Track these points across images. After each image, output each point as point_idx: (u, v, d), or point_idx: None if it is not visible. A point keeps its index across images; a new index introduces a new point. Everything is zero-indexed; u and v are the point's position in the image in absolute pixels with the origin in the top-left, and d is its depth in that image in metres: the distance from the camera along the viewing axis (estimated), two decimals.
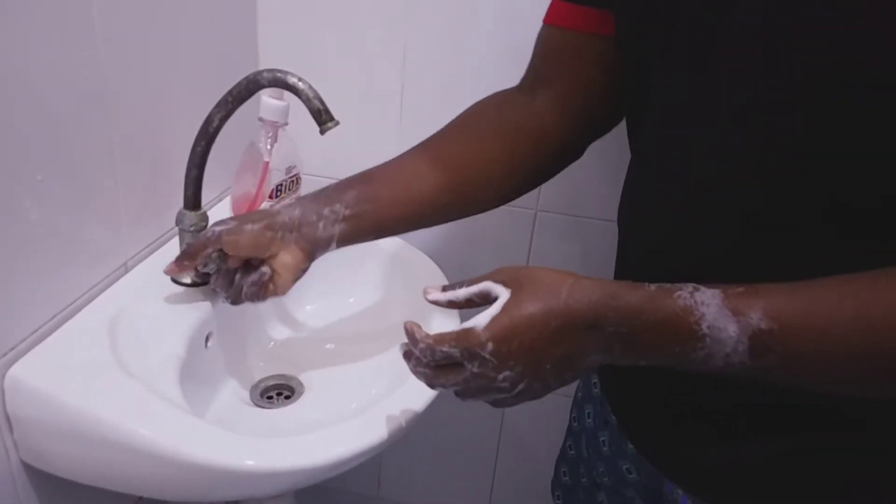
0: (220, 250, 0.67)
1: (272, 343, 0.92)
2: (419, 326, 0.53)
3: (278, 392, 0.86)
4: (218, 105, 0.70)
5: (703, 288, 0.46)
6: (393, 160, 0.72)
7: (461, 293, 0.54)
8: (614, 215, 0.69)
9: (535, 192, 1.03)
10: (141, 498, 0.84)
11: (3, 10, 0.55)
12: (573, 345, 0.48)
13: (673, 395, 0.61)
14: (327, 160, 1.05)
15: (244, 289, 0.68)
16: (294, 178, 0.91)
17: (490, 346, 0.48)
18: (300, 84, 0.66)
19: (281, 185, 0.88)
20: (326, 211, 0.67)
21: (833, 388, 0.46)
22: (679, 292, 0.46)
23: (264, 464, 0.57)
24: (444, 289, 0.55)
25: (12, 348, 0.62)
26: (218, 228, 0.66)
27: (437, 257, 0.94)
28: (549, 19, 0.68)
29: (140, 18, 0.73)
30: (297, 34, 1.00)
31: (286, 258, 0.67)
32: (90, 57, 0.66)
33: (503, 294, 0.50)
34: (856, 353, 0.42)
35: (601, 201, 1.01)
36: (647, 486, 0.68)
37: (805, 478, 0.56)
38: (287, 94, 0.71)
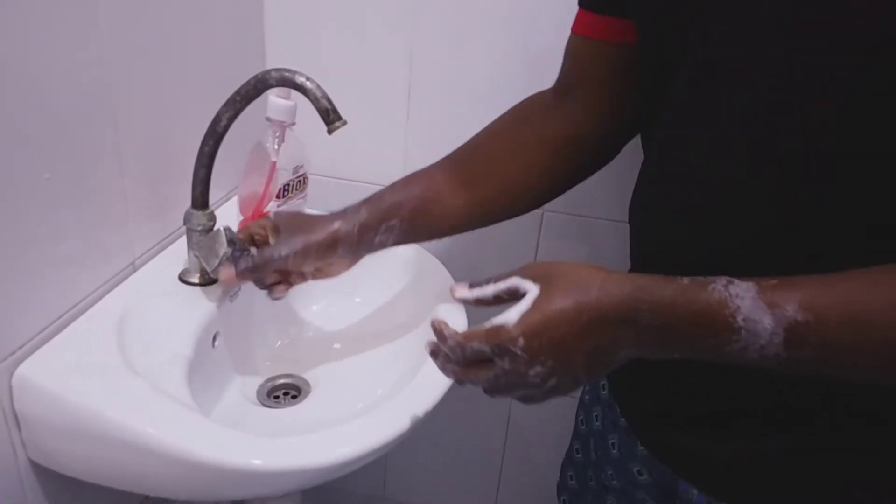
0: (237, 247, 0.70)
1: (279, 343, 0.93)
2: (447, 324, 0.52)
3: (285, 392, 0.86)
4: (226, 104, 0.70)
5: (736, 281, 0.46)
6: (441, 164, 0.73)
7: (489, 290, 0.53)
8: (621, 216, 0.69)
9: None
10: (147, 497, 0.84)
11: (9, 10, 0.55)
12: (605, 339, 0.48)
13: (683, 395, 0.61)
14: (334, 160, 1.05)
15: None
16: (301, 178, 0.91)
17: (521, 341, 0.47)
18: (308, 83, 0.66)
19: (288, 184, 0.88)
20: (383, 226, 0.68)
21: (867, 378, 0.46)
22: (713, 285, 0.46)
23: (271, 463, 0.57)
24: (471, 286, 0.55)
25: (20, 347, 0.62)
26: (284, 252, 0.67)
27: (444, 257, 0.93)
28: (577, 29, 0.69)
29: (147, 18, 0.73)
30: (304, 34, 1.00)
31: (337, 267, 0.71)
32: (97, 56, 0.66)
33: (532, 289, 0.49)
34: (891, 343, 0.43)
35: (608, 202, 1.01)
36: (660, 486, 0.67)
37: (819, 475, 0.56)
38: (294, 93, 0.71)
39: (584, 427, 0.80)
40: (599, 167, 0.75)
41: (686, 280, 0.47)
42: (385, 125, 1.03)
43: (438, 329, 0.52)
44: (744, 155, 0.51)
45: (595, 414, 0.77)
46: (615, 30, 0.65)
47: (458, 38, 0.96)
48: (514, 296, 0.51)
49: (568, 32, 0.71)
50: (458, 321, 0.79)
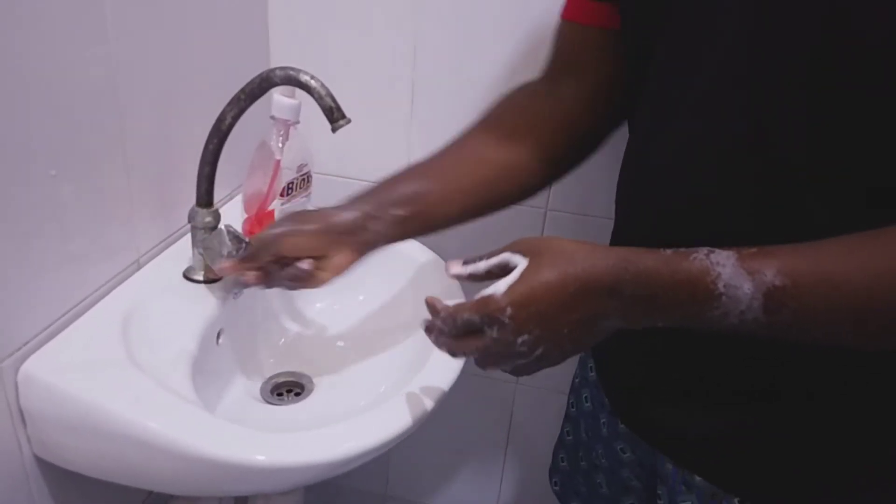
0: (241, 245, 0.69)
1: (283, 340, 0.93)
2: (440, 300, 0.55)
3: (288, 389, 0.86)
4: (230, 103, 0.70)
5: (717, 250, 0.47)
6: (435, 157, 0.73)
7: (481, 266, 0.55)
8: None
9: (545, 191, 1.03)
10: (151, 492, 0.84)
11: (18, 9, 0.56)
12: (591, 309, 0.49)
13: (659, 370, 0.63)
14: (338, 159, 1.05)
15: (281, 277, 0.69)
16: (305, 177, 0.91)
17: (509, 310, 0.49)
18: (312, 82, 0.66)
19: (292, 183, 0.89)
20: (383, 214, 0.68)
21: (844, 342, 0.47)
22: (695, 254, 0.47)
23: (275, 459, 0.57)
24: (465, 262, 0.56)
25: (25, 343, 0.63)
26: (277, 231, 0.67)
27: (446, 255, 0.93)
28: (567, 15, 0.70)
29: (153, 17, 0.74)
30: (308, 33, 1.01)
31: (338, 259, 0.68)
32: (103, 55, 0.67)
33: (521, 262, 0.51)
34: (865, 306, 0.44)
35: (611, 200, 1.00)
36: (643, 464, 0.69)
37: (791, 450, 0.57)
38: (298, 92, 0.72)
39: (573, 410, 0.81)
40: (593, 151, 0.76)
41: (669, 251, 0.49)
42: (389, 124, 1.03)
43: (431, 304, 0.55)
44: (714, 137, 0.53)
45: (584, 395, 0.78)
46: (605, 15, 0.66)
47: (462, 37, 0.96)
48: (505, 270, 0.52)
49: None
50: None
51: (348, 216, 0.68)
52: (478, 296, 0.51)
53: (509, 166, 0.72)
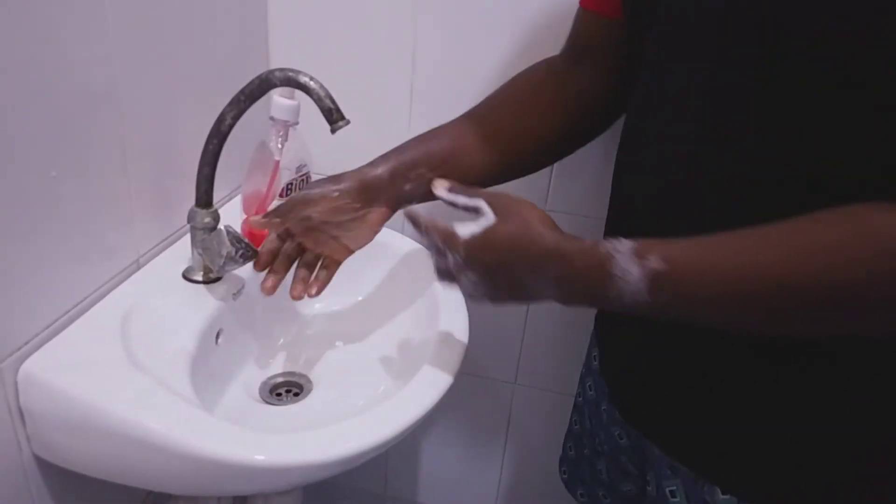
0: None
1: (281, 340, 0.93)
2: (420, 213, 0.62)
3: (287, 389, 0.86)
4: (230, 103, 0.70)
5: (623, 240, 0.52)
6: (464, 118, 0.77)
7: (461, 200, 0.62)
8: None
9: (543, 191, 1.03)
10: (151, 492, 0.85)
11: (17, 8, 0.56)
12: (522, 276, 0.56)
13: (649, 356, 0.65)
14: (337, 160, 1.05)
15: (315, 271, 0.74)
16: (304, 178, 0.91)
17: (462, 251, 0.57)
18: (312, 83, 0.67)
19: (291, 183, 0.89)
20: (413, 174, 0.71)
21: (733, 326, 0.51)
22: (606, 242, 0.52)
23: (274, 459, 0.57)
24: (450, 189, 0.64)
25: (25, 343, 0.63)
26: (314, 190, 0.70)
27: None
28: (587, 4, 0.73)
29: (153, 17, 0.74)
30: (307, 34, 1.01)
31: (373, 216, 0.71)
32: (103, 55, 0.67)
33: (489, 217, 0.58)
34: (739, 294, 0.48)
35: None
36: (637, 450, 0.72)
37: (773, 442, 0.59)
38: (298, 93, 0.72)
39: (580, 399, 0.84)
40: (607, 127, 0.79)
41: (590, 241, 0.54)
42: (388, 125, 1.03)
43: (412, 215, 0.62)
44: (678, 138, 0.56)
45: (588, 384, 0.81)
46: (620, 7, 0.68)
47: (461, 39, 0.96)
48: (476, 213, 0.59)
49: None
50: (459, 320, 0.80)
51: (380, 172, 0.71)
52: (449, 227, 0.59)
53: (532, 135, 0.76)
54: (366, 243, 0.74)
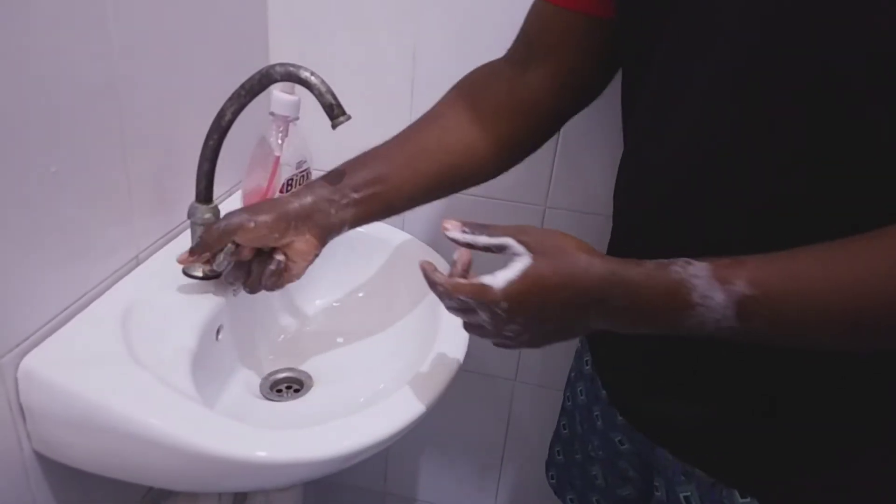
0: (235, 243, 0.68)
1: (282, 336, 0.93)
2: (434, 267, 0.56)
3: (287, 385, 0.86)
4: (230, 98, 0.70)
5: (694, 262, 0.49)
6: (395, 139, 0.74)
7: (481, 241, 0.55)
8: None
9: (544, 188, 1.03)
10: (151, 488, 0.85)
11: (18, 5, 0.56)
12: (579, 313, 0.52)
13: (660, 363, 0.64)
14: (337, 155, 1.04)
15: (263, 279, 0.70)
16: (304, 173, 0.91)
17: (504, 304, 0.51)
18: (313, 78, 0.66)
19: (291, 179, 0.89)
20: (337, 196, 0.69)
21: (817, 345, 0.49)
22: (673, 266, 0.49)
23: (276, 455, 0.57)
24: (464, 228, 0.55)
25: (25, 339, 0.62)
26: (233, 220, 0.67)
27: (446, 253, 0.94)
28: None
29: (153, 13, 0.74)
30: (307, 29, 1.00)
31: (299, 245, 0.69)
32: (103, 51, 0.67)
33: (523, 258, 0.52)
34: (831, 314, 0.46)
35: (610, 198, 1.00)
36: (640, 455, 0.70)
37: (791, 445, 0.58)
38: (298, 88, 0.72)
39: (569, 403, 0.82)
40: (550, 136, 0.77)
41: (652, 264, 0.51)
42: (388, 120, 1.02)
43: (426, 272, 0.56)
44: (717, 137, 0.53)
45: (579, 389, 0.79)
46: (593, 3, 0.66)
47: (461, 34, 0.96)
48: (503, 251, 0.54)
49: None
50: None
51: (303, 202, 0.68)
52: (476, 280, 0.53)
53: (469, 151, 0.73)
54: (300, 272, 0.71)
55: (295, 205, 0.68)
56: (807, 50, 0.46)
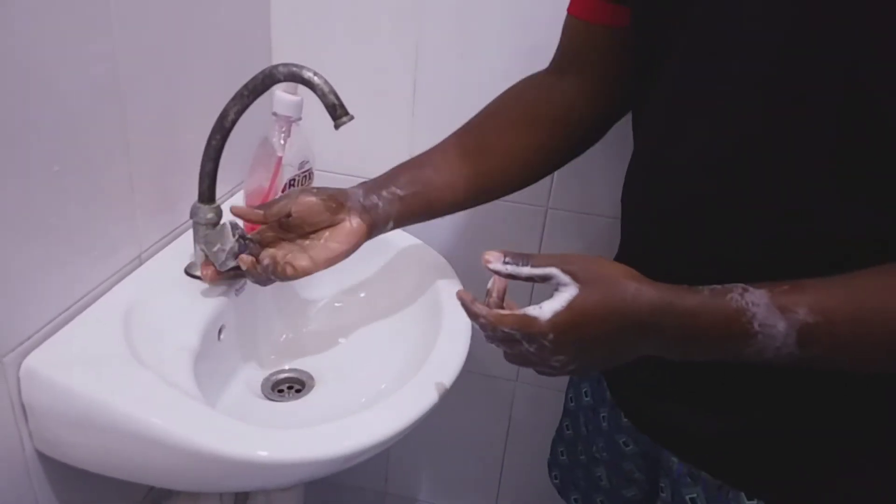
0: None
1: (283, 336, 0.93)
2: (472, 298, 0.55)
3: (289, 385, 0.86)
4: (233, 99, 0.70)
5: (751, 288, 0.49)
6: (439, 145, 0.77)
7: (524, 272, 0.53)
8: None
9: (545, 189, 1.03)
10: (153, 488, 0.85)
11: (21, 4, 0.56)
12: (627, 342, 0.52)
13: (668, 369, 0.62)
14: (340, 156, 1.05)
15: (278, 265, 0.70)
16: (307, 174, 0.91)
17: (551, 336, 0.50)
18: (316, 79, 0.67)
19: (294, 180, 0.89)
20: (385, 193, 0.73)
21: (877, 369, 0.50)
22: (731, 294, 0.49)
23: (277, 455, 0.57)
24: (506, 259, 0.54)
25: (27, 338, 0.63)
26: (295, 189, 0.71)
27: (448, 253, 0.94)
28: (575, 12, 0.71)
29: (156, 13, 0.74)
30: (310, 30, 1.01)
31: (349, 226, 0.71)
32: (107, 50, 0.67)
33: (570, 288, 0.51)
34: (892, 340, 0.47)
35: (612, 199, 1.01)
36: (646, 456, 0.70)
37: (798, 451, 0.58)
38: (301, 89, 0.72)
39: (573, 404, 0.82)
40: (590, 146, 0.78)
41: (707, 290, 0.50)
42: (391, 121, 1.03)
43: (465, 303, 0.54)
44: (733, 142, 0.53)
45: (584, 390, 0.79)
46: (613, 14, 0.67)
47: (463, 35, 0.96)
48: (547, 281, 0.52)
49: None
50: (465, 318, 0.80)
51: (356, 190, 0.73)
52: (521, 311, 0.51)
53: (510, 157, 0.75)
54: (336, 255, 0.70)
55: (350, 189, 0.72)
56: (835, 50, 0.46)
